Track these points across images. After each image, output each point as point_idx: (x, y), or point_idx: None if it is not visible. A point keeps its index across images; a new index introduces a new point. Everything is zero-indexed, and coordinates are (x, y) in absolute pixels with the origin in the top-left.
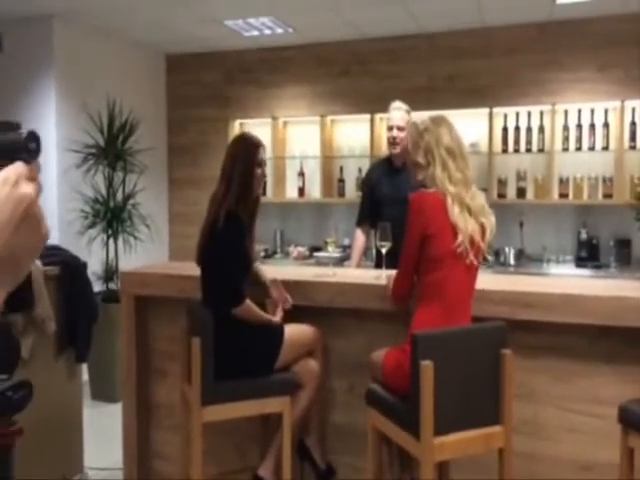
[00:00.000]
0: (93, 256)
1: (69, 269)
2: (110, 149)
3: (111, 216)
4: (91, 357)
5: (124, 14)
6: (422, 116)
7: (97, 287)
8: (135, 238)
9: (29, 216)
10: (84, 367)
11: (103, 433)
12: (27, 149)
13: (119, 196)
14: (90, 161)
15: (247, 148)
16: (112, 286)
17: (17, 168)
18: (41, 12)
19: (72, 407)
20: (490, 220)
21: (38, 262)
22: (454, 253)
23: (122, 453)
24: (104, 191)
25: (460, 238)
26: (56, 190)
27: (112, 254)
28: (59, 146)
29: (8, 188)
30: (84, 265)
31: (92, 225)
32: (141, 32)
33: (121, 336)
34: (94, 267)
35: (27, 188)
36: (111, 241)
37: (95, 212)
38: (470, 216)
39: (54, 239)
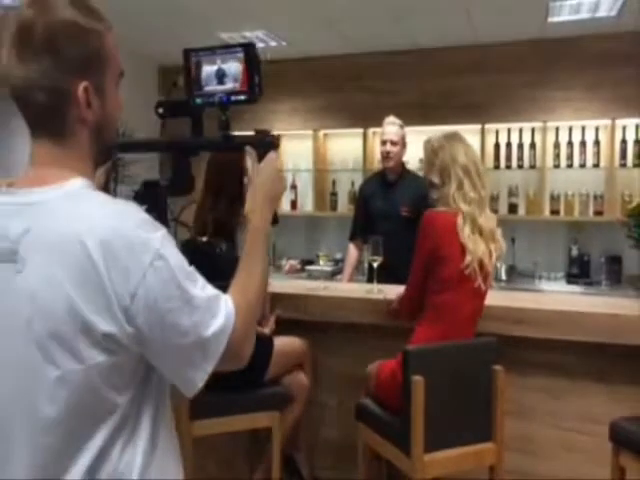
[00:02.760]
0: None
1: None
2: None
3: None
4: None
5: (117, 25)
6: (415, 132)
7: None
8: None
9: (280, 176)
10: None
11: None
12: (278, 144)
13: None
14: None
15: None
16: None
17: (274, 154)
18: None
19: None
20: (499, 246)
21: None
22: (462, 274)
23: None
24: None
25: (468, 259)
26: None
27: None
28: None
29: (275, 164)
30: None
31: None
32: (134, 43)
33: None
34: None
35: (279, 164)
36: None
37: None
38: (481, 238)
39: None
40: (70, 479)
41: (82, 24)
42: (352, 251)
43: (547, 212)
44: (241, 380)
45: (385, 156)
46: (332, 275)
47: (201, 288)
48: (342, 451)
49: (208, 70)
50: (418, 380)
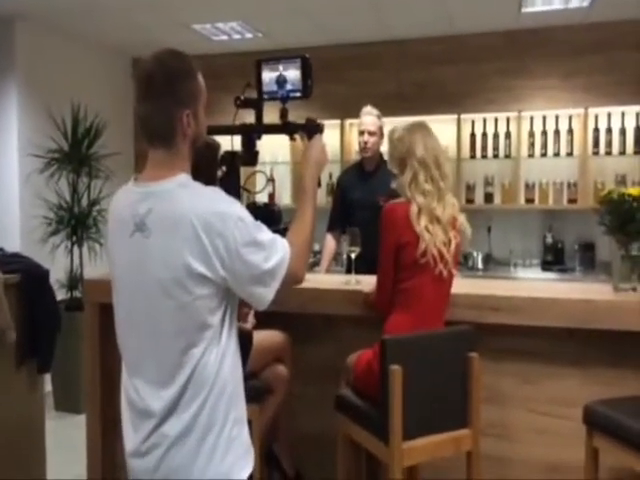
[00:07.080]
0: (57, 264)
1: (30, 277)
2: (74, 154)
3: (75, 222)
4: (55, 367)
5: (89, 17)
6: (392, 122)
7: (61, 295)
8: (101, 245)
9: (324, 151)
10: (48, 377)
11: (67, 445)
12: (322, 129)
13: (84, 202)
14: (53, 166)
15: (208, 151)
16: (77, 294)
17: (319, 136)
18: (2, 13)
19: (34, 419)
20: (460, 232)
21: None
22: (420, 262)
23: (86, 465)
24: (68, 197)
25: (422, 248)
26: (18, 196)
27: (77, 261)
28: (21, 151)
29: (320, 142)
30: (46, 273)
31: (55, 232)
32: (107, 35)
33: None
34: (58, 275)
35: (322, 143)
36: (75, 248)
37: (59, 218)
38: (439, 228)
39: (15, 246)
40: (185, 370)
41: (186, 70)
42: (330, 242)
43: (522, 201)
44: None
45: (363, 147)
46: (311, 267)
47: (265, 234)
48: (322, 442)
49: (272, 75)
50: (396, 369)
